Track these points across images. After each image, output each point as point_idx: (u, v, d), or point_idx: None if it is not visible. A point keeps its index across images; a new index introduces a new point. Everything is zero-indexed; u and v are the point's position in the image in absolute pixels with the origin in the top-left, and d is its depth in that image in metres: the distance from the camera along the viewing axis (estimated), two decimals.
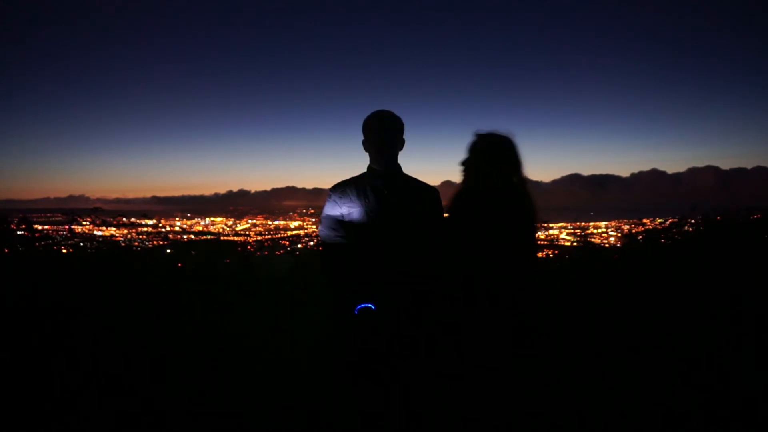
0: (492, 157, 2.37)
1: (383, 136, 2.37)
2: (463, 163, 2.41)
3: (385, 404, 2.35)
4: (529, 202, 2.36)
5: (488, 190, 2.34)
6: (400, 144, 2.44)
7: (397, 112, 2.42)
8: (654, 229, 7.18)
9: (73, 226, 6.54)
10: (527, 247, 2.42)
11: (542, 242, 11.09)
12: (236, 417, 2.99)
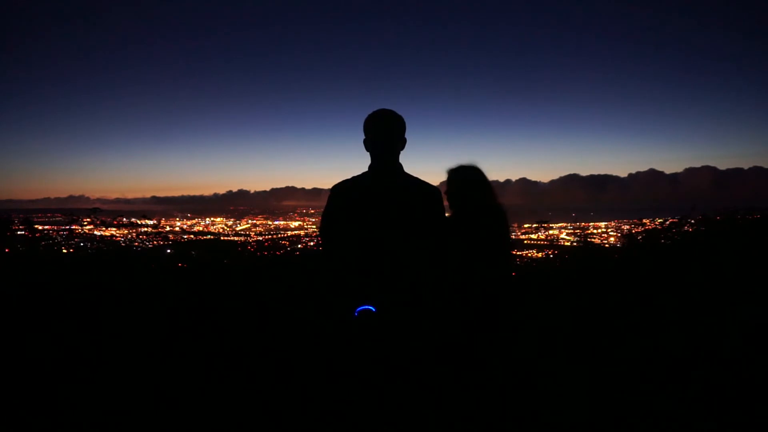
0: (473, 183, 2.78)
1: (382, 136, 2.37)
2: (449, 192, 2.78)
3: (385, 406, 2.36)
4: (504, 214, 2.79)
5: (476, 209, 2.72)
6: (400, 143, 2.43)
7: (398, 112, 2.42)
8: (654, 229, 7.18)
9: (73, 227, 6.54)
10: (509, 249, 2.85)
11: (542, 242, 11.12)
12: (237, 418, 2.99)
